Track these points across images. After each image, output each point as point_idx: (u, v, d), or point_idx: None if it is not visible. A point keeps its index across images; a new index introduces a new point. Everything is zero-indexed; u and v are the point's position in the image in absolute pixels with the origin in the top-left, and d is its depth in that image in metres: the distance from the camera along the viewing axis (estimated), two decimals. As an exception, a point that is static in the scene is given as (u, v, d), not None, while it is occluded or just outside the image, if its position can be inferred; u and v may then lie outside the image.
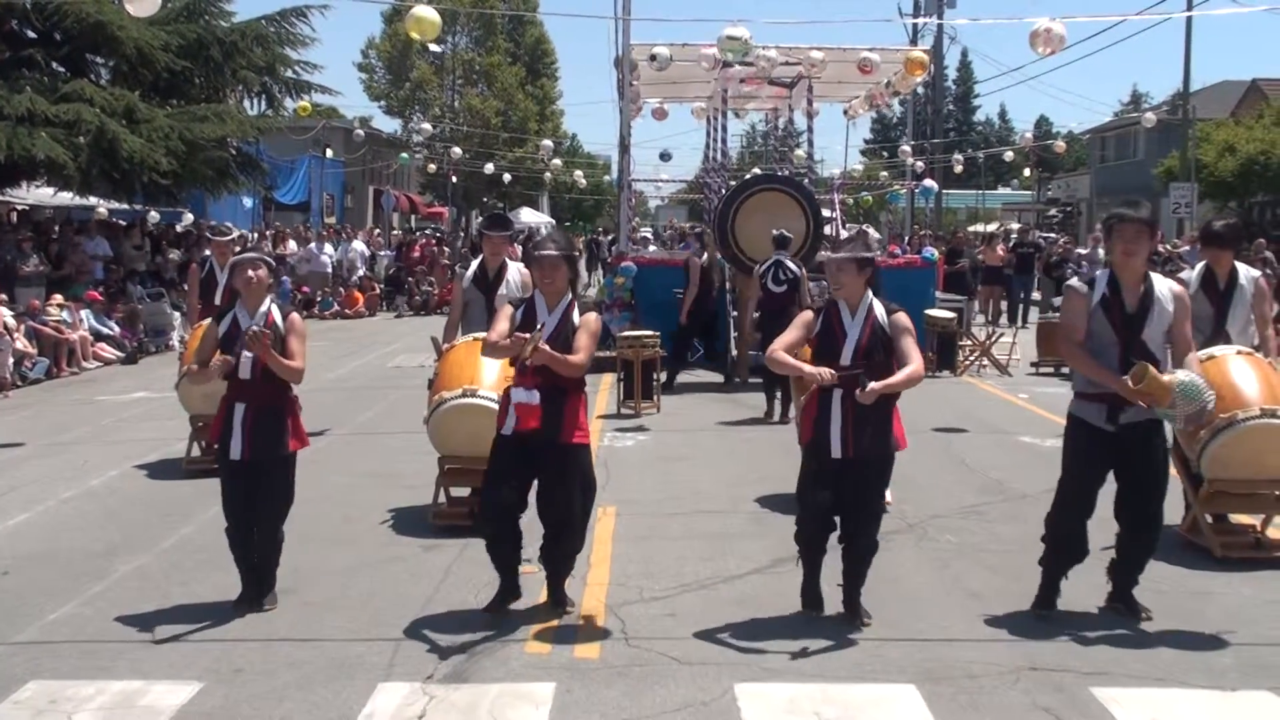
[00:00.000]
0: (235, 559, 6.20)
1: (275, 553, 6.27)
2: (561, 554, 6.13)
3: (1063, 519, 6.01)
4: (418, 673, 5.30)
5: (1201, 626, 5.90)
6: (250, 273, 6.12)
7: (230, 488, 6.13)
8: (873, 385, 5.65)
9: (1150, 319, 5.78)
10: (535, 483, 6.01)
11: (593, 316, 6.09)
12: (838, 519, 5.97)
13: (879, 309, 5.89)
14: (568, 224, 61.11)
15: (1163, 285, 5.86)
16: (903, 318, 5.91)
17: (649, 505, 8.47)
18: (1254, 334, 7.60)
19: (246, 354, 6.00)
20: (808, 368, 5.77)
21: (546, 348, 5.74)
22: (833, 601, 6.06)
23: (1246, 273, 7.69)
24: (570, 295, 6.07)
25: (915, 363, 5.81)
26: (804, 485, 6.00)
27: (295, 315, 6.29)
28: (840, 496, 5.88)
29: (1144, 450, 5.89)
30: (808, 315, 6.02)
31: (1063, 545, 6.04)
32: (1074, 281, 6.11)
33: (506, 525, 6.06)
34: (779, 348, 5.93)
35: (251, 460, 6.03)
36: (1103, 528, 7.43)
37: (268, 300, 6.17)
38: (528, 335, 5.74)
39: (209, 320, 6.32)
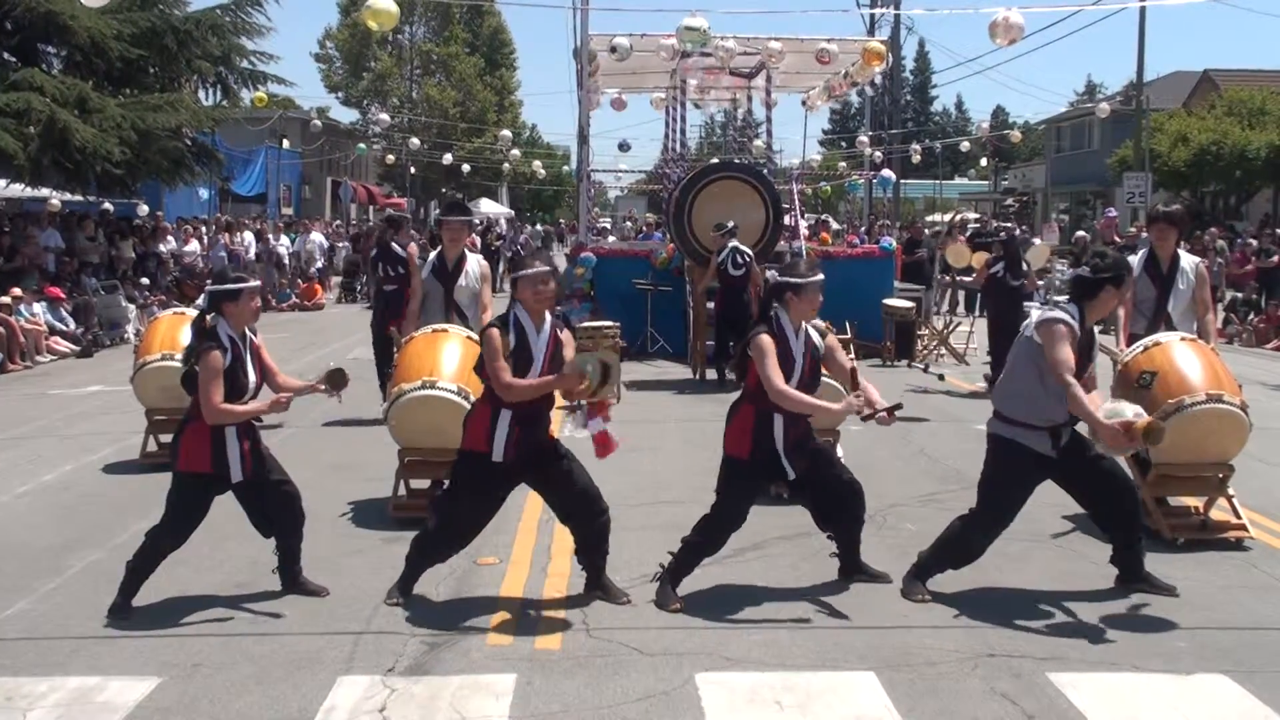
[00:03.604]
0: (150, 569, 5.99)
1: (298, 543, 6.28)
2: (606, 546, 6.15)
3: (983, 535, 6.09)
4: (378, 665, 5.27)
5: (1155, 611, 5.98)
6: (256, 303, 6.02)
7: (203, 508, 5.99)
8: (884, 413, 5.84)
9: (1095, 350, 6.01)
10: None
11: (567, 333, 6.06)
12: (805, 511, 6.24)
13: (810, 328, 6.09)
14: (526, 214, 60.89)
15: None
16: (832, 338, 6.24)
17: (610, 496, 8.35)
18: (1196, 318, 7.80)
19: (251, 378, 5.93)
20: (837, 405, 5.96)
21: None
22: (788, 584, 6.09)
23: (1189, 258, 7.91)
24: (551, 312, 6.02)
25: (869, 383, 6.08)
26: (732, 497, 6.07)
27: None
28: (812, 502, 6.28)
29: (1079, 455, 6.00)
30: (770, 341, 5.92)
31: (965, 556, 6.16)
32: (1060, 315, 5.85)
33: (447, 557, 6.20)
34: (788, 388, 5.83)
35: (252, 480, 5.96)
36: (1053, 512, 7.52)
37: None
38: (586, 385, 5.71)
39: (211, 347, 5.81)
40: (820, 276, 6.06)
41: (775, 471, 6.01)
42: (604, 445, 5.99)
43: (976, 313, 21.47)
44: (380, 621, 5.82)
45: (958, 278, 17.98)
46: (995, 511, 6.05)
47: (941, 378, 14.94)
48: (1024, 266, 13.15)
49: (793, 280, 6.00)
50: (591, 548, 6.11)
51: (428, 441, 7.53)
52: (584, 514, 6.03)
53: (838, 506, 6.25)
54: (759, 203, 15.72)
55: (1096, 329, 6.06)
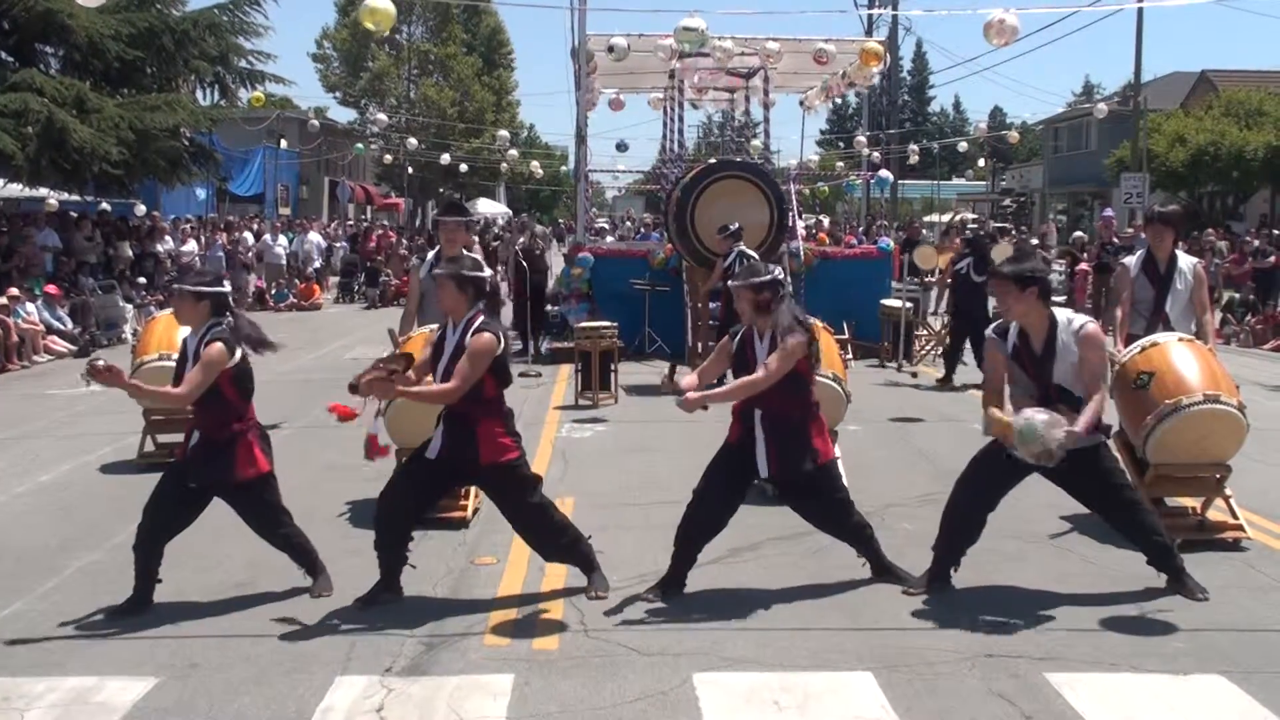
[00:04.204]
0: (141, 559, 5.97)
1: (294, 549, 6.27)
2: (570, 554, 6.22)
3: (964, 492, 6.24)
4: (376, 666, 5.27)
5: (1153, 611, 5.98)
6: (181, 306, 6.03)
7: (167, 495, 5.98)
8: (689, 395, 6.03)
9: (1056, 360, 5.88)
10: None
11: (483, 339, 5.81)
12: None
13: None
14: (524, 214, 60.91)
15: (1065, 331, 5.89)
16: (789, 341, 5.97)
17: (607, 496, 8.46)
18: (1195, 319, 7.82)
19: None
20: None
21: (391, 381, 5.83)
22: (785, 584, 6.08)
23: (1187, 259, 7.93)
24: (471, 314, 5.95)
25: (756, 374, 6.02)
26: (709, 468, 6.34)
27: (214, 346, 5.84)
28: (799, 511, 6.38)
29: (1081, 471, 6.01)
30: (725, 341, 6.35)
31: (965, 528, 6.23)
32: (987, 331, 6.25)
33: (401, 543, 6.18)
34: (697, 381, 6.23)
35: (197, 487, 5.97)
36: (1051, 513, 7.53)
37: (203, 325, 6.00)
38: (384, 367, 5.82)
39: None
40: (746, 280, 6.14)
41: (749, 463, 6.14)
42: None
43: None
44: (378, 622, 5.82)
45: (925, 279, 18.03)
46: (978, 467, 6.23)
47: (914, 374, 15.03)
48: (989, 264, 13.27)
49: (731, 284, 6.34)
50: (565, 557, 6.30)
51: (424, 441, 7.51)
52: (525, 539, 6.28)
53: (830, 529, 6.48)
54: (763, 201, 15.41)
55: (1071, 323, 5.90)
